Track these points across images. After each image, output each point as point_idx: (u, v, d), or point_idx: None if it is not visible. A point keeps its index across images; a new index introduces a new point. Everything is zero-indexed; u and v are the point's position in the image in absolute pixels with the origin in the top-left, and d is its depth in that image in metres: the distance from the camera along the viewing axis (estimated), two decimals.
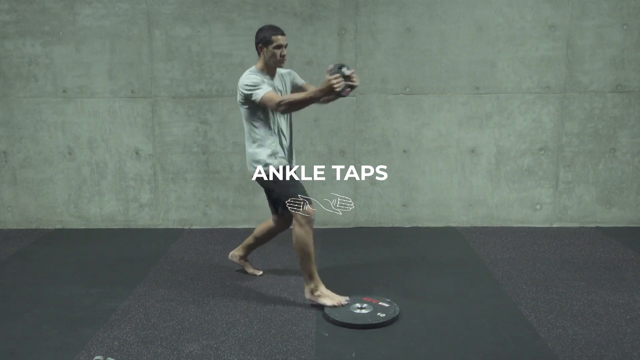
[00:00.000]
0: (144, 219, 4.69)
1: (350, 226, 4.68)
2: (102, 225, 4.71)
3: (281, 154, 3.12)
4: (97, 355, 2.58)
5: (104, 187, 4.64)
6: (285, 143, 3.17)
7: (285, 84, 3.23)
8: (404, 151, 4.55)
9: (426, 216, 4.66)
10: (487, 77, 4.44)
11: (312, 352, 2.61)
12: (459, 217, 4.65)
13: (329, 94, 2.80)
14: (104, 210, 4.68)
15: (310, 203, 3.03)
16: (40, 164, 4.62)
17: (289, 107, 2.92)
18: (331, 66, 2.82)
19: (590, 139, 4.50)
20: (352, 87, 2.84)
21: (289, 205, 3.05)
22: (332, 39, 4.39)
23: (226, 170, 4.60)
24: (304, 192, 3.06)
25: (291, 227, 3.15)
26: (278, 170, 3.08)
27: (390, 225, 4.67)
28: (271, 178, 3.09)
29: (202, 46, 4.42)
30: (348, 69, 2.81)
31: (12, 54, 4.46)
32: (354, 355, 2.59)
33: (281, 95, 3.04)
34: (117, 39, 4.42)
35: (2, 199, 4.68)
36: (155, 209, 4.67)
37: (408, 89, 4.47)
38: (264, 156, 3.08)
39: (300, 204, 3.01)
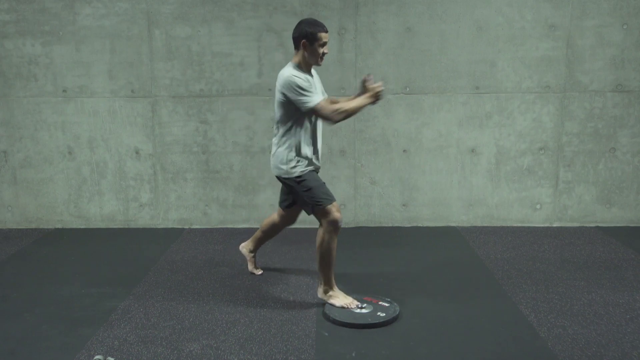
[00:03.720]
0: (144, 219, 4.69)
1: (350, 226, 4.68)
2: (102, 225, 4.71)
3: (310, 157, 3.04)
4: (97, 354, 2.58)
5: (104, 186, 4.64)
6: (317, 146, 3.09)
7: (319, 84, 3.18)
8: (404, 151, 4.55)
9: (426, 216, 4.66)
10: (487, 77, 4.44)
11: (312, 352, 2.61)
12: (459, 216, 4.65)
13: (375, 101, 2.94)
14: (104, 210, 4.68)
15: (335, 207, 2.97)
16: (40, 163, 4.62)
17: (345, 117, 2.89)
18: (368, 77, 2.98)
19: (590, 139, 4.50)
20: None
21: (316, 212, 3.01)
22: (332, 38, 4.39)
23: (226, 170, 4.60)
24: (327, 194, 3.00)
25: (318, 229, 3.10)
26: (304, 175, 3.01)
27: (390, 225, 4.67)
28: (294, 182, 3.03)
29: (202, 46, 4.42)
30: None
31: (12, 54, 4.46)
32: (354, 354, 2.59)
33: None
34: (117, 38, 4.42)
35: (2, 198, 4.68)
36: (155, 208, 4.67)
37: (408, 89, 4.47)
38: (290, 161, 3.01)
39: (325, 210, 2.96)
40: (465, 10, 4.36)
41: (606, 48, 4.37)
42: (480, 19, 4.36)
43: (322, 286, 3.12)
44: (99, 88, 4.50)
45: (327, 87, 4.39)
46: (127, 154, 4.59)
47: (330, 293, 3.10)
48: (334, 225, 2.96)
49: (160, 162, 4.60)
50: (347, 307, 3.01)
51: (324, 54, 2.96)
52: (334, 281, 3.11)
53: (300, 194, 3.05)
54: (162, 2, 4.37)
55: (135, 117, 4.54)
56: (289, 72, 2.91)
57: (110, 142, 4.58)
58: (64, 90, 4.51)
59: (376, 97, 2.92)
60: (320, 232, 3.00)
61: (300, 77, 2.87)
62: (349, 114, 2.89)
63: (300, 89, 2.85)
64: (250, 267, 3.64)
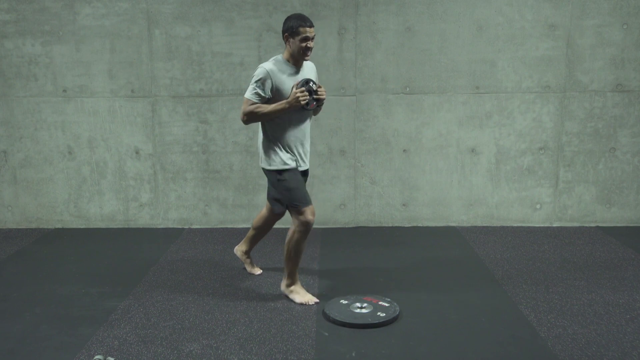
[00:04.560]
0: (144, 219, 4.69)
1: (350, 226, 4.68)
2: (102, 225, 4.71)
3: (290, 153, 3.07)
4: (97, 354, 2.58)
5: (104, 186, 4.64)
6: (299, 142, 3.10)
7: (315, 78, 3.17)
8: (404, 150, 4.55)
9: (426, 216, 4.66)
10: (487, 77, 4.44)
11: (312, 352, 2.61)
12: (459, 216, 4.65)
13: (293, 106, 2.94)
14: (104, 209, 4.68)
15: (310, 210, 3.02)
16: (40, 163, 4.62)
17: (250, 119, 2.99)
18: (298, 81, 3.00)
19: (590, 139, 4.50)
20: (319, 101, 3.07)
21: (289, 210, 3.07)
22: (332, 38, 4.39)
23: (226, 170, 4.60)
24: (305, 198, 3.03)
25: (289, 226, 3.14)
26: (283, 172, 3.04)
27: (390, 225, 4.67)
28: (274, 177, 3.07)
29: (202, 45, 4.42)
30: (315, 84, 3.04)
31: (12, 54, 4.46)
32: (353, 354, 2.59)
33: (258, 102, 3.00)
34: (117, 38, 4.42)
35: (2, 198, 4.68)
36: (155, 208, 4.67)
37: (408, 89, 4.47)
38: (271, 154, 3.06)
39: (300, 211, 3.01)
40: (465, 10, 4.35)
41: (606, 48, 4.37)
42: (480, 18, 4.36)
43: (285, 280, 3.19)
44: (98, 88, 4.50)
45: (327, 87, 4.40)
46: (127, 153, 4.59)
47: (292, 288, 3.18)
48: (305, 226, 3.02)
49: (160, 162, 4.60)
50: (306, 304, 3.10)
51: (307, 48, 2.97)
52: (297, 276, 3.21)
53: (277, 189, 3.11)
54: (162, 2, 4.37)
55: (135, 116, 4.54)
56: (265, 62, 3.02)
57: (110, 141, 4.58)
58: (64, 90, 4.51)
59: (296, 102, 2.92)
60: (291, 229, 3.06)
61: (264, 71, 2.95)
62: (256, 116, 2.97)
63: (253, 79, 2.97)
64: (248, 268, 3.65)
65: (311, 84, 3.01)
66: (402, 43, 4.41)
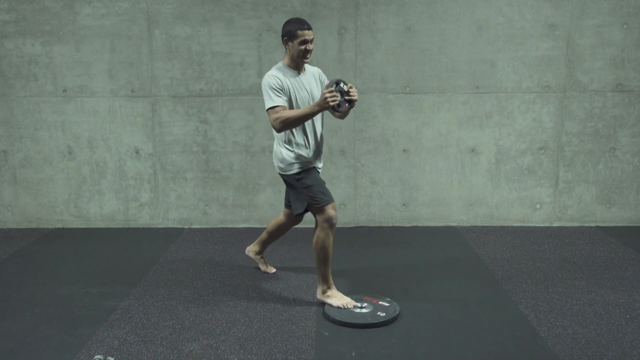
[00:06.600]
0: (144, 219, 4.69)
1: (350, 225, 4.68)
2: (102, 225, 4.71)
3: (305, 154, 3.05)
4: (97, 354, 2.58)
5: (104, 186, 4.64)
6: (313, 143, 3.08)
7: (317, 83, 3.13)
8: (404, 150, 4.55)
9: (426, 215, 4.66)
10: (487, 77, 4.44)
11: (312, 352, 2.61)
12: (459, 216, 4.65)
13: (324, 108, 2.84)
14: (104, 209, 4.68)
15: (332, 206, 2.99)
16: (40, 163, 4.62)
17: (284, 126, 2.89)
18: (328, 82, 2.91)
19: (590, 139, 4.50)
20: (351, 102, 2.92)
21: (311, 209, 3.04)
22: (332, 38, 4.39)
23: (226, 170, 4.60)
24: (326, 195, 3.01)
25: (313, 228, 3.10)
26: (301, 172, 3.04)
27: (390, 225, 4.67)
28: (293, 179, 3.06)
29: (202, 45, 4.42)
30: (345, 84, 2.90)
31: (12, 54, 4.46)
32: (353, 354, 2.59)
33: (286, 108, 2.95)
34: (117, 38, 4.42)
35: (2, 198, 4.68)
36: (155, 208, 4.67)
37: (408, 89, 4.47)
38: (288, 156, 3.04)
39: (322, 208, 2.98)
40: (465, 10, 4.35)
41: (606, 48, 4.37)
42: (480, 18, 4.36)
43: (320, 286, 3.12)
44: (98, 88, 4.50)
45: None
46: (127, 153, 4.59)
47: (328, 293, 3.10)
48: (329, 222, 2.98)
49: (160, 161, 4.60)
50: (345, 307, 3.01)
51: (307, 50, 2.96)
52: (331, 280, 3.12)
53: (297, 190, 3.08)
54: (162, 2, 4.36)
55: (135, 116, 4.54)
56: (269, 71, 3.00)
57: (110, 141, 4.58)
58: (64, 90, 4.51)
59: (325, 103, 2.80)
60: (316, 232, 3.03)
61: (273, 77, 2.94)
62: (289, 122, 2.87)
63: (267, 88, 2.93)
64: (262, 267, 3.66)
65: (342, 84, 2.89)
66: (402, 43, 4.41)
